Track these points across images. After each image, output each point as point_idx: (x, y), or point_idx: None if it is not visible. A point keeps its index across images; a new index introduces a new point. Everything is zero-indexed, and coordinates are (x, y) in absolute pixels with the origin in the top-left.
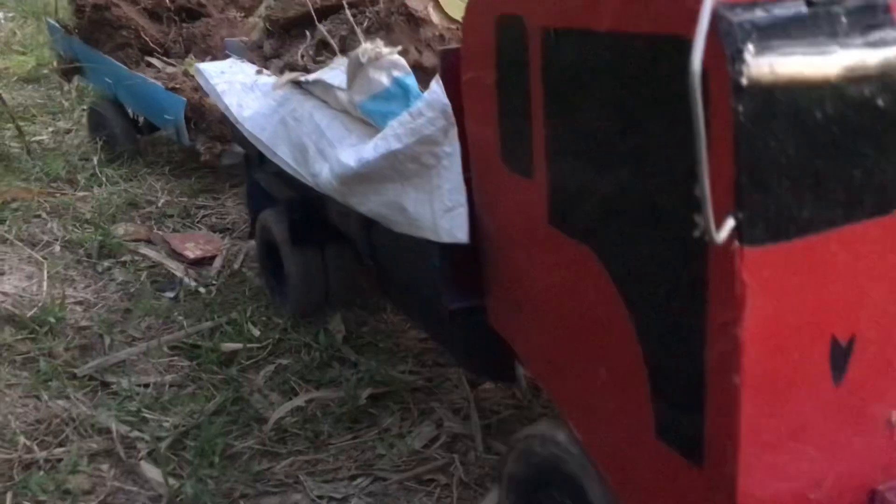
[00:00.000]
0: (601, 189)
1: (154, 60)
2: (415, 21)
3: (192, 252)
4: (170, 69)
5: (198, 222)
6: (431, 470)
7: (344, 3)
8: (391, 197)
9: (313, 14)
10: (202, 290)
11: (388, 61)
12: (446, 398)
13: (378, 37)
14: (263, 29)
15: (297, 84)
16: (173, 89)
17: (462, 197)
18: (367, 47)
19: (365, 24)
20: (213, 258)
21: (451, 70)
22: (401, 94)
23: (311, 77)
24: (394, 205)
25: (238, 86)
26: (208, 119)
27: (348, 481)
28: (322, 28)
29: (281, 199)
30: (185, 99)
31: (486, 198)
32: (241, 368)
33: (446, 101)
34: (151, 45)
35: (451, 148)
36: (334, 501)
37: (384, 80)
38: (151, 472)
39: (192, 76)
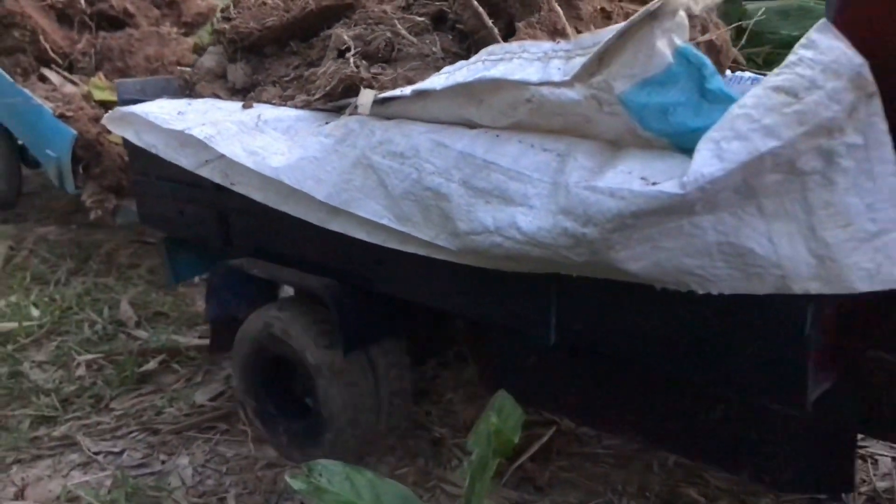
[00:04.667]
0: None
1: (51, 74)
2: None
3: None
4: (69, 88)
5: None
6: (212, 419)
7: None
8: (711, 236)
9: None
10: None
11: (674, 22)
12: None
13: (519, 22)
14: (222, 50)
15: (382, 105)
16: (63, 116)
17: None
18: None
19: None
20: None
21: (861, 9)
22: (687, 75)
23: (433, 84)
24: (714, 248)
25: (232, 127)
26: (105, 163)
27: (128, 437)
28: (343, 32)
29: (315, 287)
30: (74, 132)
31: None
32: (19, 346)
33: (860, 59)
34: (52, 53)
35: (865, 136)
36: (111, 455)
37: (667, 52)
38: None
39: (94, 102)
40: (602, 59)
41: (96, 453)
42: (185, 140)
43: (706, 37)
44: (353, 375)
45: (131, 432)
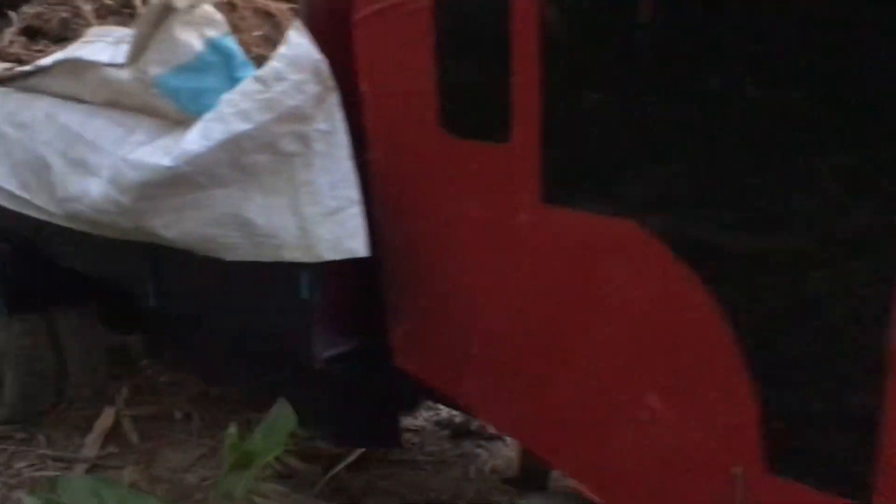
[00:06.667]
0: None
1: None
2: None
3: None
4: None
5: None
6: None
7: None
8: (223, 208)
9: None
10: None
11: (200, 15)
12: None
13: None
14: None
15: (13, 80)
16: None
17: (353, 192)
18: None
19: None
20: None
21: (324, 12)
22: (218, 63)
23: (47, 61)
24: (228, 219)
25: None
26: None
27: None
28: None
29: None
30: None
31: (405, 186)
32: None
33: (318, 55)
34: None
35: (331, 124)
36: None
37: (195, 42)
38: None
39: None
40: (139, 45)
41: None
42: None
43: None
44: (28, 344)
45: None
